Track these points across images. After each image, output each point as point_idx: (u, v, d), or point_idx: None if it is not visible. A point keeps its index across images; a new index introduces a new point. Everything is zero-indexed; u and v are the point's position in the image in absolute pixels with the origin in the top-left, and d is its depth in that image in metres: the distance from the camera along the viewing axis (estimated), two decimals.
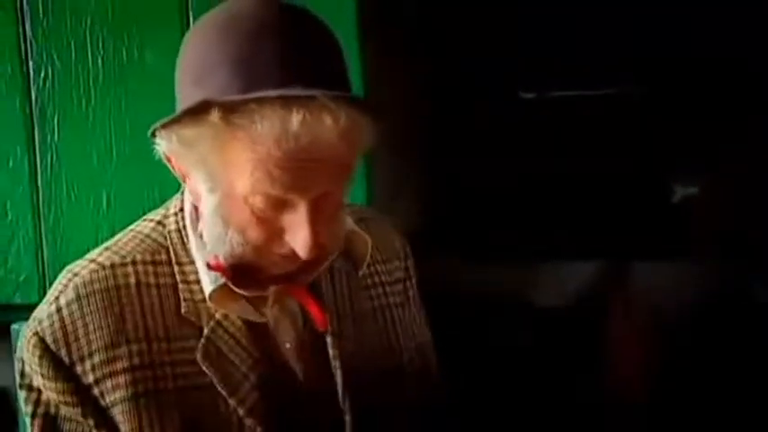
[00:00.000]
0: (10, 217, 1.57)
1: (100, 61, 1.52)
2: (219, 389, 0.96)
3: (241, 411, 0.96)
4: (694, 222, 2.08)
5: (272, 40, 0.87)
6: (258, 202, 0.89)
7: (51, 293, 0.99)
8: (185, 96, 0.91)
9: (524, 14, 2.11)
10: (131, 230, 1.04)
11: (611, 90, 2.16)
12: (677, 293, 1.98)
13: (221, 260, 0.95)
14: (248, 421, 0.96)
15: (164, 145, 0.91)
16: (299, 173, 0.86)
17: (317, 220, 0.90)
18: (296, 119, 0.83)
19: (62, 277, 1.00)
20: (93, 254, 1.02)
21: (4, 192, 1.57)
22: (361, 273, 1.08)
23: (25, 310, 0.99)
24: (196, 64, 0.90)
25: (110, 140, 1.52)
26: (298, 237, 0.90)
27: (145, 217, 1.06)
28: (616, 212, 2.12)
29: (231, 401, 0.96)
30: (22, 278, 1.58)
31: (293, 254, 0.91)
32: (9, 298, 1.59)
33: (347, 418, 1.01)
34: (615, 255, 2.09)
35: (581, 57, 2.13)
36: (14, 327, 1.57)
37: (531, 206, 2.17)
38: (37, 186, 1.55)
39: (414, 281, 1.17)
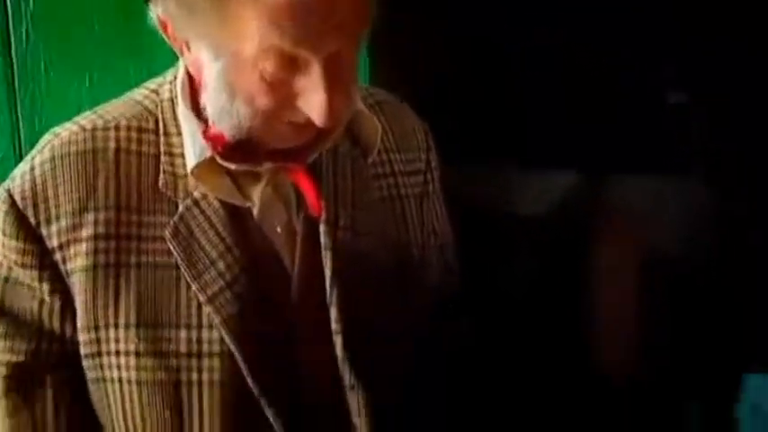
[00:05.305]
0: None
1: None
2: (183, 271, 0.92)
3: (201, 298, 0.92)
4: (685, 135, 2.06)
5: None
6: (268, 65, 0.82)
7: (30, 153, 0.95)
8: None
9: None
10: (126, 96, 0.99)
11: None
12: (663, 210, 1.97)
13: (226, 135, 0.88)
14: (207, 309, 0.92)
15: (159, 10, 0.85)
16: (309, 23, 0.80)
17: (331, 85, 0.83)
18: None
19: (44, 138, 0.96)
20: (80, 116, 0.97)
21: None
22: (370, 160, 1.02)
23: None
24: None
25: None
26: (313, 101, 0.84)
27: (143, 84, 1.00)
28: (603, 121, 2.08)
29: (193, 286, 0.92)
30: None
31: (305, 123, 0.86)
32: None
33: (333, 311, 0.96)
34: (600, 166, 2.06)
35: None
36: None
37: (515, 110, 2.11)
38: (11, 59, 1.42)
39: (436, 174, 1.12)
